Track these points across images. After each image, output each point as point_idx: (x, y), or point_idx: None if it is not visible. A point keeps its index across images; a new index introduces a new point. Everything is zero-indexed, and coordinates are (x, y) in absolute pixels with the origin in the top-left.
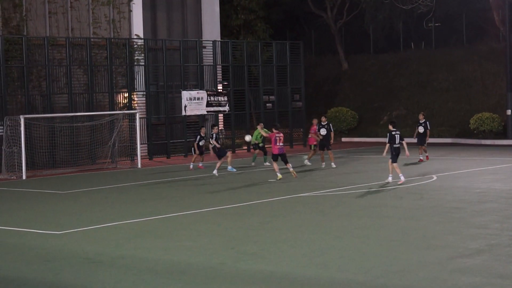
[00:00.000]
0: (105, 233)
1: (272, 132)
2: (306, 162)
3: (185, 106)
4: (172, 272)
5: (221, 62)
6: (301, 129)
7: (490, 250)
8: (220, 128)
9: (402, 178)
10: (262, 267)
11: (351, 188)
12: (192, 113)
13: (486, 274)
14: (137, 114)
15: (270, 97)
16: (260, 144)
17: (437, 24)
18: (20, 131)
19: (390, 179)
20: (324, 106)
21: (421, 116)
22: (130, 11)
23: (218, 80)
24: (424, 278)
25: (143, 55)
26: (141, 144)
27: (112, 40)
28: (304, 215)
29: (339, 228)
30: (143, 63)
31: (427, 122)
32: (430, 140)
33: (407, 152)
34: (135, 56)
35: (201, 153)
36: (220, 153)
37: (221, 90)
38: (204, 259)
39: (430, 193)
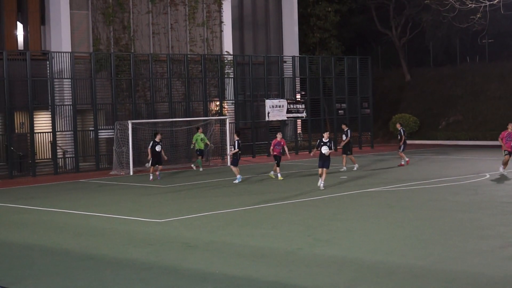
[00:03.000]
0: (199, 221)
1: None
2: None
3: (268, 113)
4: (256, 255)
5: (300, 75)
6: (369, 133)
7: None
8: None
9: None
10: (334, 253)
11: (413, 184)
12: (274, 119)
13: None
14: (227, 120)
15: (342, 105)
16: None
17: (490, 41)
18: (128, 134)
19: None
20: (389, 113)
21: (398, 126)
22: (221, 31)
23: (296, 90)
24: (478, 264)
25: (232, 69)
26: (230, 145)
27: (206, 56)
28: (372, 207)
29: (402, 219)
30: (232, 76)
31: (402, 130)
32: (483, 143)
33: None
34: (225, 70)
35: (158, 161)
36: (234, 161)
37: (299, 99)
38: (284, 244)
39: (483, 189)
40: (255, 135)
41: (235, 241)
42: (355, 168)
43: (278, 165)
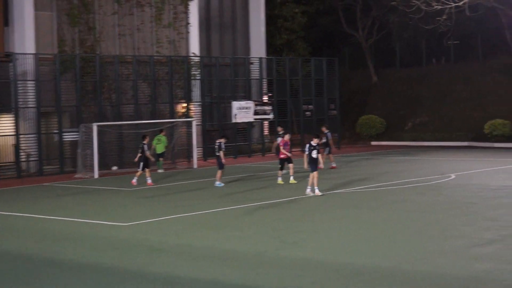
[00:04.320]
0: (166, 224)
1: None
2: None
3: (235, 115)
4: (222, 258)
5: (266, 76)
6: (336, 134)
7: (502, 240)
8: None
9: None
10: (301, 254)
11: (379, 185)
12: (241, 121)
13: (498, 261)
14: (194, 122)
15: (309, 106)
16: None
17: (455, 42)
18: (93, 137)
19: None
20: (356, 114)
21: (323, 129)
22: (187, 32)
23: (263, 92)
24: (443, 264)
25: (199, 70)
26: (197, 147)
27: (172, 57)
28: (339, 208)
29: (369, 220)
30: (199, 78)
31: (329, 134)
32: (449, 143)
33: None
34: (192, 72)
35: (147, 164)
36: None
37: (266, 101)
38: (251, 247)
39: (448, 190)
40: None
41: (201, 244)
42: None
43: (291, 163)
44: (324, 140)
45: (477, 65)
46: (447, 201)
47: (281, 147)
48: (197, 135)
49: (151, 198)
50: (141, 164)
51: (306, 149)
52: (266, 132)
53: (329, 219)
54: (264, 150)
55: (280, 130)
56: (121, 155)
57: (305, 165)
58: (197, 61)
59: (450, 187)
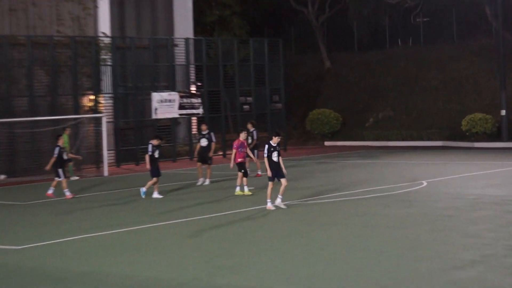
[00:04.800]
0: (68, 247)
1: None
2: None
3: (156, 109)
4: None
5: (194, 62)
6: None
7: (485, 261)
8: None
9: None
10: (240, 283)
11: (335, 196)
12: (163, 116)
13: (481, 286)
14: (104, 118)
15: (247, 98)
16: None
17: (425, 20)
18: None
19: None
20: (305, 108)
21: (249, 126)
22: (96, 7)
23: (191, 80)
24: None
25: (110, 54)
26: (108, 150)
27: (77, 38)
28: (285, 225)
29: (322, 238)
30: (110, 63)
31: (254, 132)
32: (420, 143)
33: None
34: (101, 56)
35: (63, 171)
36: (154, 171)
37: (194, 92)
38: (176, 274)
39: (419, 200)
40: (139, 137)
41: (113, 271)
42: (200, 183)
43: (245, 175)
44: (249, 140)
45: (451, 48)
46: (418, 213)
47: (235, 150)
48: (108, 134)
49: (49, 214)
50: (60, 171)
51: (266, 150)
52: (194, 130)
53: (273, 238)
54: (193, 153)
55: (204, 128)
56: (12, 160)
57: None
58: (108, 43)
59: (422, 196)
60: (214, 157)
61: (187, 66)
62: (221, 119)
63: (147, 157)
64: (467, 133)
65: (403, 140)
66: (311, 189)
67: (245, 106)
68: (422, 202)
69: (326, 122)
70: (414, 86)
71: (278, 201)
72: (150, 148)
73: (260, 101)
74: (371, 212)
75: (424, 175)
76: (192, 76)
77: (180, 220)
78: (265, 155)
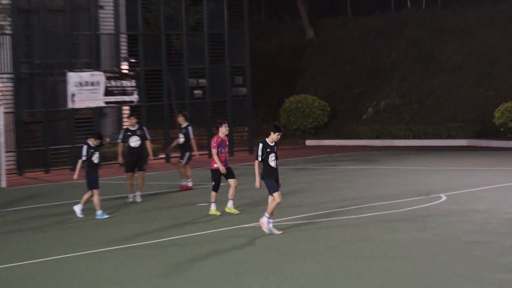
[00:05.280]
0: None
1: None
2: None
3: (73, 95)
4: None
5: (127, 30)
6: (246, 128)
7: None
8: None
9: None
10: None
11: (321, 215)
12: (84, 106)
13: None
14: (0, 108)
15: (200, 80)
16: None
17: None
18: None
19: None
20: (279, 94)
21: (180, 119)
22: None
23: (122, 56)
24: None
25: (9, 19)
26: (6, 152)
27: None
28: (250, 255)
29: (303, 273)
30: (9, 32)
31: (190, 128)
32: (437, 142)
33: None
34: None
35: None
36: (91, 181)
37: (126, 71)
38: None
39: (436, 220)
40: (50, 134)
41: None
42: (130, 199)
43: (216, 189)
44: (181, 139)
45: (479, 13)
46: (434, 239)
47: (214, 150)
48: (6, 130)
49: None
50: None
51: (259, 152)
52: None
53: (233, 274)
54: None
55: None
56: None
57: (257, 182)
58: (6, 4)
59: (439, 215)
60: (154, 161)
61: (116, 36)
62: (164, 109)
63: (79, 163)
64: (502, 129)
65: (413, 138)
66: (288, 207)
67: (197, 92)
68: (440, 223)
69: (308, 114)
70: (429, 64)
71: (266, 224)
72: (85, 150)
73: (217, 85)
74: (370, 237)
75: (443, 186)
76: (124, 50)
77: (108, 249)
78: (258, 158)
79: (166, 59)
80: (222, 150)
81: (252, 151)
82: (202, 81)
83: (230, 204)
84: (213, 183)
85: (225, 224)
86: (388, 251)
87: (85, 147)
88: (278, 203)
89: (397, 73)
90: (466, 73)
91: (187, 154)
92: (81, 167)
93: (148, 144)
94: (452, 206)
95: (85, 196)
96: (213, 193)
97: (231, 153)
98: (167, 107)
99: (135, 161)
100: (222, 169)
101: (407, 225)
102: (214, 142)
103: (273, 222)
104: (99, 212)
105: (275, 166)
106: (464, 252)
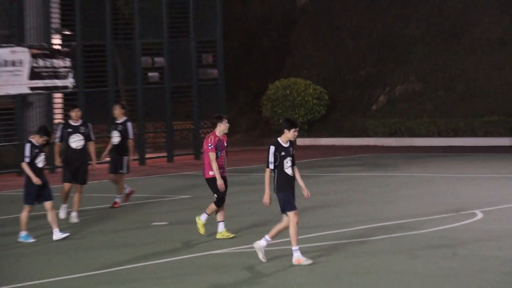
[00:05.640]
0: None
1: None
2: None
3: None
4: None
5: None
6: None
7: None
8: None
9: None
10: None
11: (319, 237)
12: (2, 93)
13: None
14: None
15: (156, 59)
16: None
17: None
18: None
19: None
20: (262, 78)
21: (117, 111)
22: None
23: (52, 27)
24: None
25: None
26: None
27: None
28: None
29: None
30: None
31: (128, 124)
32: (471, 141)
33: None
34: None
35: None
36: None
37: (59, 47)
38: None
39: (469, 245)
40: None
41: None
42: (62, 215)
43: (220, 203)
44: (116, 138)
45: None
46: (467, 269)
47: (213, 155)
48: None
49: None
50: None
51: (271, 157)
52: (59, 118)
53: None
54: (53, 159)
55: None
56: None
57: (266, 198)
58: None
59: (474, 238)
60: (97, 166)
61: (46, 2)
62: (108, 97)
63: (25, 168)
64: None
65: (439, 135)
66: (261, 224)
67: (152, 74)
68: (473, 249)
69: (299, 103)
70: (459, 38)
71: (297, 254)
72: (28, 150)
73: (179, 65)
74: (382, 268)
75: (478, 199)
76: (56, 20)
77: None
78: (270, 166)
79: (111, 31)
80: (219, 153)
81: (227, 153)
82: (159, 60)
83: (221, 227)
84: (215, 195)
85: (188, 249)
86: (405, 286)
87: (28, 146)
88: (296, 224)
89: (417, 50)
90: (509, 50)
91: (125, 159)
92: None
93: (91, 146)
94: (489, 226)
95: (24, 214)
96: (213, 207)
97: (196, 155)
98: (112, 94)
99: (77, 168)
100: (220, 183)
101: (431, 251)
102: (210, 143)
103: (299, 252)
104: (23, 233)
105: (292, 174)
106: (504, 286)
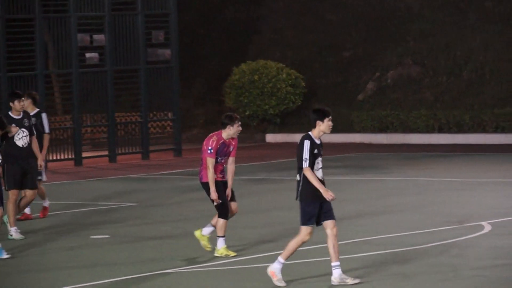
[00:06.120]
0: None
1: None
2: None
3: None
4: None
5: None
6: (170, 115)
7: None
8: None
9: None
10: None
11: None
12: None
13: None
14: None
15: (95, 37)
16: None
17: None
18: None
19: None
20: (225, 59)
21: (28, 103)
22: None
23: None
24: None
25: None
26: None
27: None
28: None
29: None
30: None
31: (43, 115)
32: (478, 138)
33: None
34: None
35: None
36: None
37: None
38: None
39: (474, 263)
40: None
41: None
42: (12, 232)
43: (225, 214)
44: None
45: None
46: None
47: (211, 160)
48: None
49: None
50: None
51: (306, 153)
52: None
53: None
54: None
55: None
56: None
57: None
58: None
59: (478, 256)
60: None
61: None
62: (37, 83)
63: None
64: None
65: (440, 131)
66: (241, 240)
67: (90, 55)
68: (479, 268)
69: (269, 91)
70: (465, 12)
71: (337, 274)
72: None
73: (123, 44)
74: None
75: (486, 209)
76: None
77: None
78: (305, 165)
79: (40, 2)
80: (221, 159)
81: (180, 151)
82: (99, 37)
83: (221, 243)
84: (215, 204)
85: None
86: None
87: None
88: (301, 242)
89: (414, 25)
90: None
91: (43, 162)
92: None
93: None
94: (498, 241)
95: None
96: (220, 222)
97: (144, 154)
98: (42, 79)
99: (24, 170)
100: (214, 196)
101: (428, 270)
102: (211, 146)
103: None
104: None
105: (322, 178)
106: None
